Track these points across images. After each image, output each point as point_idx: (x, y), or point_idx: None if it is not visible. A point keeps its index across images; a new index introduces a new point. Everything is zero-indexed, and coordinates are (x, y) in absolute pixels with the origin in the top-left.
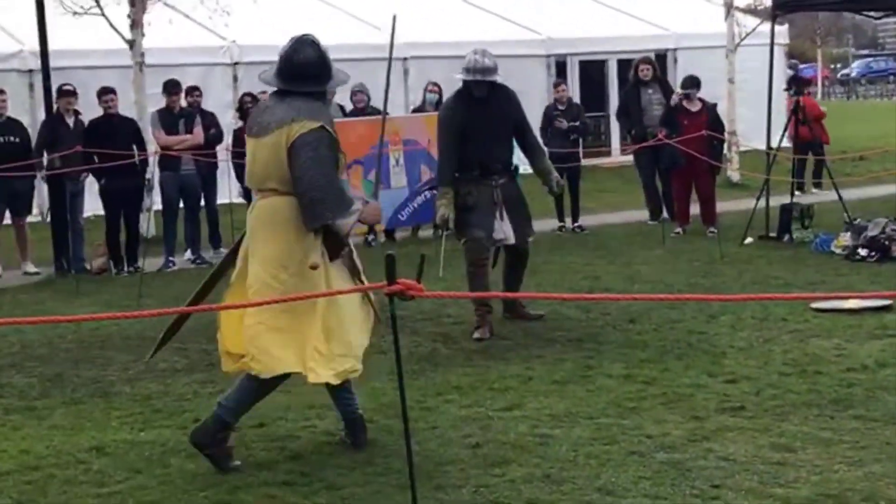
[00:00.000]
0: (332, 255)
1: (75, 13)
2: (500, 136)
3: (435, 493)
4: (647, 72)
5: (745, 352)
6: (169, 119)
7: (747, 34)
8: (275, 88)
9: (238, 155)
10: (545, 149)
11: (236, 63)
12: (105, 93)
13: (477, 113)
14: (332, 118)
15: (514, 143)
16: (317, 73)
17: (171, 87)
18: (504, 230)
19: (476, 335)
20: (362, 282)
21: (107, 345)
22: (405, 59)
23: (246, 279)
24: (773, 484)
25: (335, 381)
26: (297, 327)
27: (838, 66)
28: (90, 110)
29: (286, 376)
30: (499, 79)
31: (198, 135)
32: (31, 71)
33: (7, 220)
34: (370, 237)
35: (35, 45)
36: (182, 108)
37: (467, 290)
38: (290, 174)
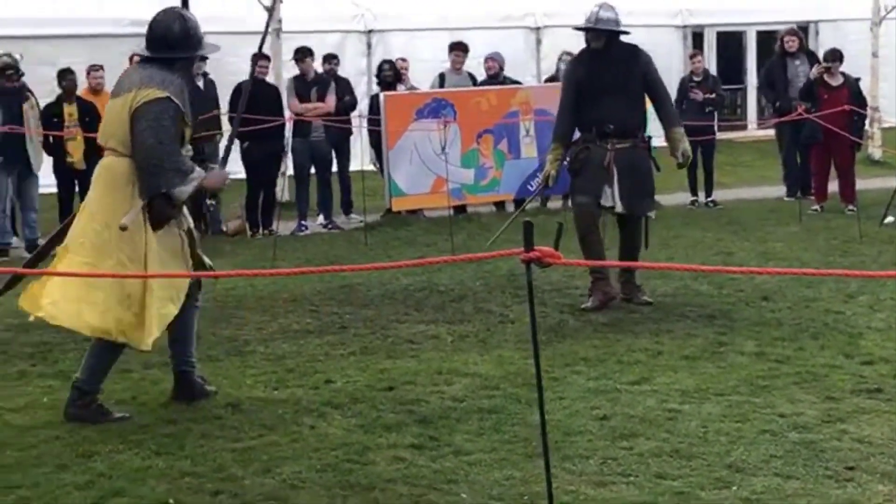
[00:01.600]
0: (154, 223)
1: None
2: (621, 97)
3: (562, 463)
4: (792, 43)
5: (883, 333)
6: (302, 86)
7: (894, 7)
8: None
9: (372, 122)
10: (678, 118)
11: (370, 31)
12: (260, 58)
13: (596, 70)
14: (182, 88)
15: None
16: (173, 43)
17: (299, 55)
18: (613, 197)
19: (584, 304)
20: (194, 252)
21: (242, 305)
22: (538, 28)
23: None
24: None
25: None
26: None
27: None
28: (225, 76)
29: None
30: (621, 32)
31: (329, 102)
32: None
33: None
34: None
35: None
36: (317, 75)
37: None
38: (131, 139)
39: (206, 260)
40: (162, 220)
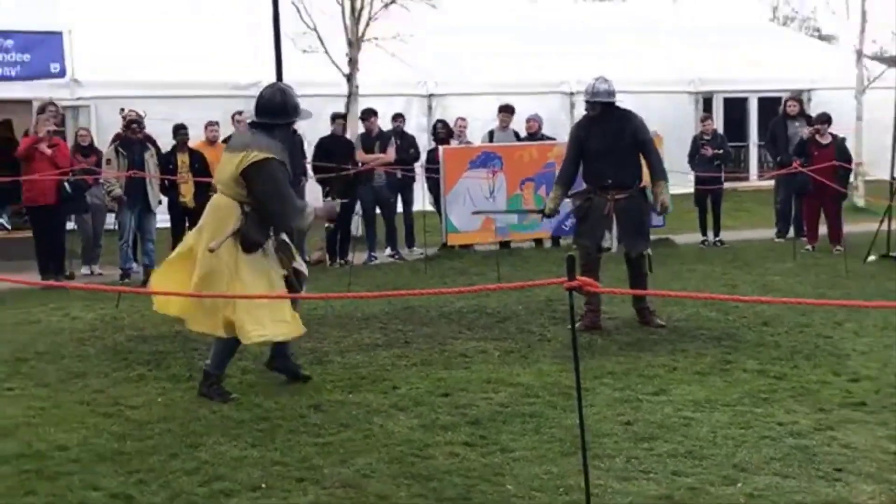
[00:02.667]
0: (245, 248)
1: (304, 51)
2: (617, 155)
3: (592, 461)
4: (794, 107)
5: (867, 355)
6: (367, 140)
7: (875, 78)
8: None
9: (430, 170)
10: (664, 174)
11: (431, 95)
12: (339, 117)
13: (594, 133)
14: (281, 147)
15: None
16: (274, 112)
17: (365, 114)
18: (611, 240)
19: (577, 324)
20: (288, 271)
21: (323, 322)
22: (571, 93)
23: (188, 253)
24: (890, 471)
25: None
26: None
27: None
28: (313, 134)
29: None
30: (612, 103)
31: (390, 154)
32: None
33: None
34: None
35: (272, 76)
36: (380, 131)
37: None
38: (249, 194)
39: (297, 282)
40: (251, 246)
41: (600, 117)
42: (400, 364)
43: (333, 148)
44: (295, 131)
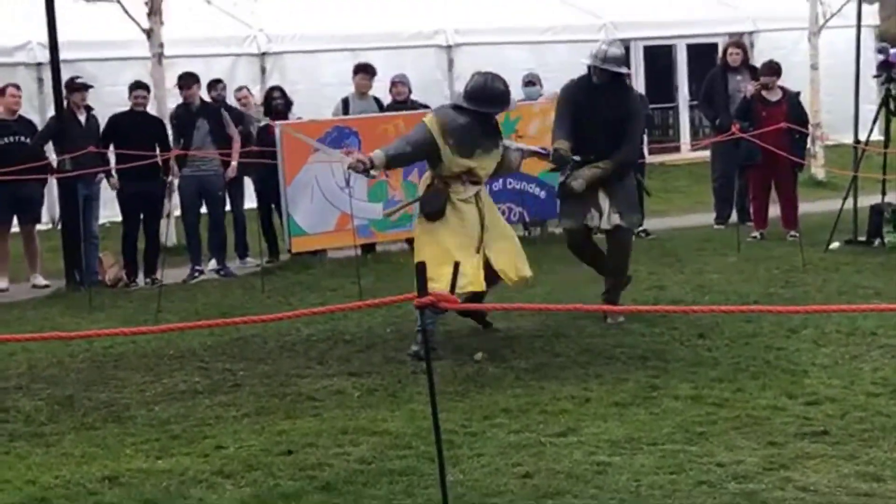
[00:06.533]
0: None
1: (88, 0)
2: (611, 129)
3: None
4: (736, 56)
5: (829, 370)
6: (186, 117)
7: (832, 15)
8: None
9: (265, 155)
10: (621, 161)
11: (264, 53)
12: (137, 87)
13: (593, 102)
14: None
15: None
16: (503, 101)
17: (185, 81)
18: (602, 217)
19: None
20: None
21: (122, 364)
22: (450, 46)
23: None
24: None
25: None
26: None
27: None
28: (102, 107)
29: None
30: (624, 74)
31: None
32: (39, 64)
33: (15, 227)
34: None
35: (44, 36)
36: (204, 104)
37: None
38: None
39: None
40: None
41: (605, 86)
42: (227, 415)
43: (132, 127)
44: (90, 108)
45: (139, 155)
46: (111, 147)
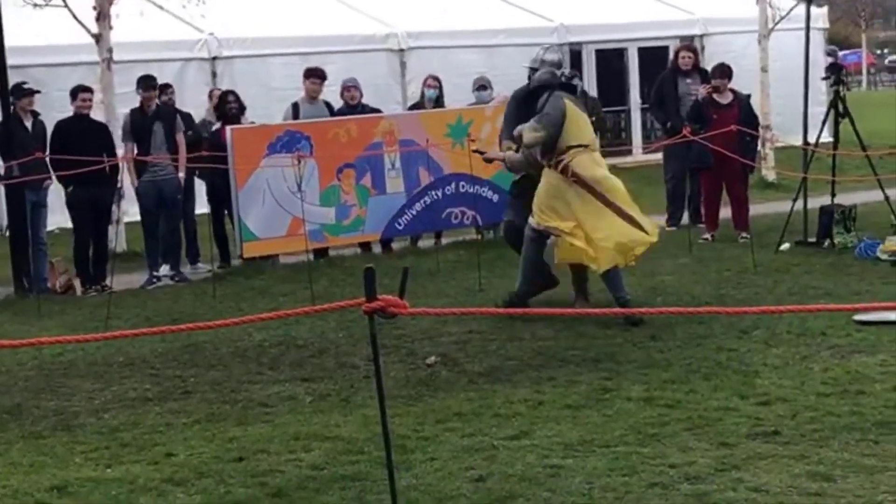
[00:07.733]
0: None
1: (35, 4)
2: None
3: None
4: (687, 59)
5: (780, 370)
6: (142, 122)
7: (781, 17)
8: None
9: (216, 160)
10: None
11: (215, 58)
12: (81, 91)
13: (528, 108)
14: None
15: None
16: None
17: (145, 84)
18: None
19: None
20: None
21: (70, 372)
22: (402, 50)
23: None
24: None
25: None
26: None
27: (885, 51)
28: (50, 112)
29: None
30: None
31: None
32: None
33: None
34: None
35: None
36: (158, 108)
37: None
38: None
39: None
40: None
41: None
42: (177, 422)
43: (79, 133)
44: (37, 113)
45: (87, 161)
46: (59, 154)
